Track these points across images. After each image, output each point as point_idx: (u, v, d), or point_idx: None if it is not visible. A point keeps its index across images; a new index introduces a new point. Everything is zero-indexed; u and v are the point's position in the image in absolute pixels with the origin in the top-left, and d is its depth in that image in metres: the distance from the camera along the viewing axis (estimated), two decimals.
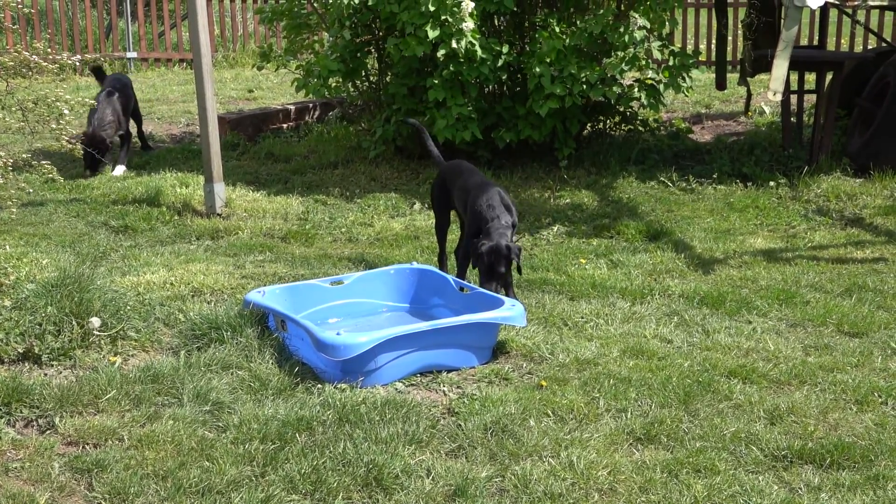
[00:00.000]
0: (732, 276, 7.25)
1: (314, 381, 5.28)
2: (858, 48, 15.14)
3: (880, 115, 9.72)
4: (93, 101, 8.31)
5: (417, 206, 9.27)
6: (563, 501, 4.19)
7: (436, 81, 9.73)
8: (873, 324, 6.24)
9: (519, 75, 10.33)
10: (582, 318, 6.38)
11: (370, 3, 9.86)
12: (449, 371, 5.56)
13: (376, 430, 4.70)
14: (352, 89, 11.04)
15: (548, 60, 9.59)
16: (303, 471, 4.35)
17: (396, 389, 5.32)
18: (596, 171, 10.25)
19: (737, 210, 9.02)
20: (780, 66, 8.88)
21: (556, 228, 8.53)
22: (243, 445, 4.57)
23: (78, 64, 7.86)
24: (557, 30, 9.79)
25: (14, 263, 6.74)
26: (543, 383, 5.30)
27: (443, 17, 9.39)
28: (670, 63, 9.99)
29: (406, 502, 4.18)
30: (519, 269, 6.26)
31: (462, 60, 9.65)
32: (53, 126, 7.29)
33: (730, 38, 14.36)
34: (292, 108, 12.87)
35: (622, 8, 10.14)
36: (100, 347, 5.61)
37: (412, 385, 5.45)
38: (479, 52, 9.57)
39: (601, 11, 9.90)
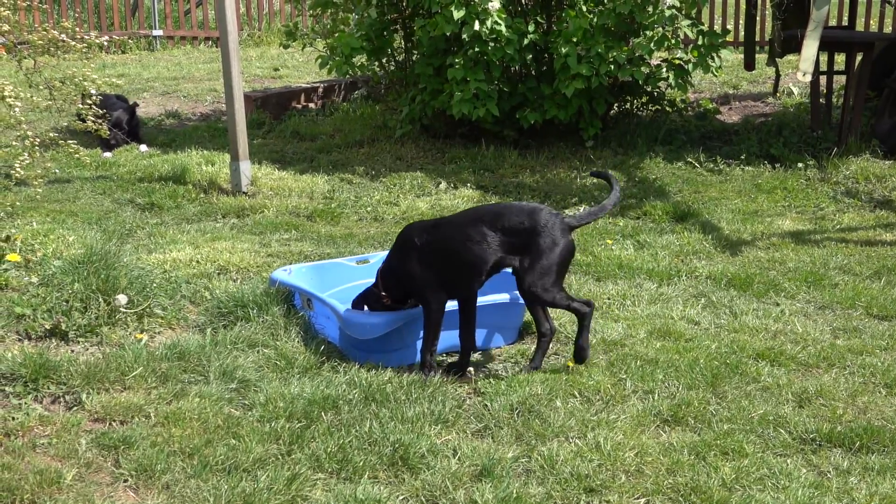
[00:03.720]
0: (760, 258, 7.19)
1: (340, 360, 5.27)
2: (888, 29, 14.99)
3: None
4: (118, 82, 8.31)
5: (443, 185, 9.24)
6: (589, 482, 4.17)
7: (458, 61, 9.68)
8: None
9: (545, 55, 10.26)
10: (608, 299, 6.35)
11: None
12: (475, 351, 5.54)
13: (402, 410, 4.69)
14: (377, 68, 11.01)
15: (574, 40, 9.51)
16: (329, 449, 4.34)
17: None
18: (623, 152, 10.19)
19: (765, 191, 8.95)
20: (810, 46, 8.79)
21: (581, 208, 8.48)
22: (269, 424, 4.56)
23: (105, 43, 7.84)
24: (584, 9, 9.72)
25: (41, 240, 6.75)
26: (570, 364, 5.27)
27: None
28: (699, 43, 9.90)
29: (432, 482, 4.17)
30: None
31: (487, 41, 9.59)
32: (80, 105, 7.32)
33: (758, 17, 14.23)
34: (318, 86, 12.85)
35: None
36: (126, 325, 5.62)
37: (438, 365, 5.43)
38: (505, 31, 9.51)
39: None
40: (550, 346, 5.44)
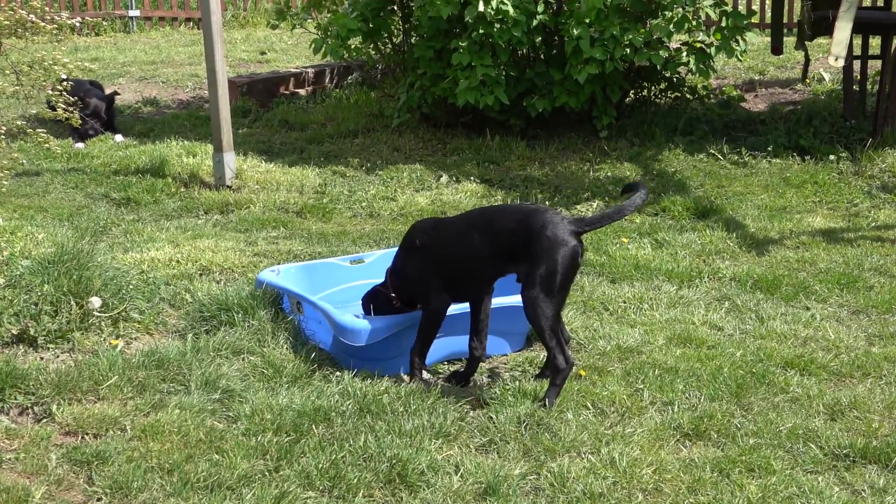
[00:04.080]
0: (789, 258, 7.19)
1: (332, 368, 5.27)
2: None
3: None
4: (91, 66, 8.30)
5: (444, 178, 9.23)
6: (603, 502, 4.16)
7: (463, 44, 9.67)
8: None
9: (555, 38, 10.25)
10: (624, 302, 6.35)
11: None
12: (484, 360, 5.51)
13: (400, 423, 4.69)
14: (373, 52, 11.00)
15: (587, 21, 9.51)
16: (320, 465, 4.34)
17: (423, 377, 5.30)
18: (639, 142, 10.18)
19: (793, 186, 8.94)
20: (843, 28, 8.77)
21: (595, 204, 8.48)
22: (255, 437, 4.56)
23: (77, 24, 7.83)
24: None
25: (7, 238, 6.75)
26: (582, 373, 5.27)
27: None
28: (722, 24, 9.89)
29: (432, 500, 4.16)
30: None
31: (492, 22, 9.58)
32: (50, 91, 7.31)
33: None
34: (309, 71, 12.84)
35: None
36: (100, 330, 5.61)
37: (439, 374, 5.43)
38: (511, 12, 9.50)
39: None
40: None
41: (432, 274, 5.25)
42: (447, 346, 5.53)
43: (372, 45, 10.83)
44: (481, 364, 5.45)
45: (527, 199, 8.65)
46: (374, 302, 5.50)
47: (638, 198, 5.18)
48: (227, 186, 8.87)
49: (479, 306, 5.30)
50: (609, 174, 9.34)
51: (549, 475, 4.33)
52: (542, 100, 9.98)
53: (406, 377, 5.26)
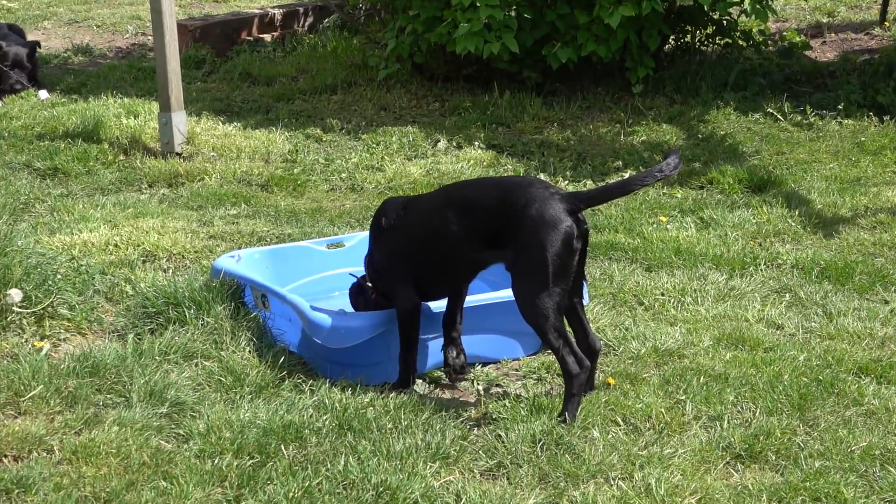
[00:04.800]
0: (863, 241, 7.20)
1: (305, 376, 5.27)
2: None
3: None
4: (11, 4, 8.29)
5: (442, 143, 9.22)
6: None
7: None
8: None
9: None
10: (662, 294, 6.34)
11: None
12: (485, 364, 5.56)
13: (388, 442, 4.68)
14: None
15: None
16: (290, 494, 4.33)
17: (415, 387, 5.32)
18: (681, 100, 10.17)
19: (869, 153, 8.93)
20: None
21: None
22: (212, 460, 4.56)
23: None
24: None
25: None
26: (611, 381, 5.27)
27: None
28: None
29: None
30: None
31: None
32: None
33: None
34: (276, 12, 12.83)
35: None
36: (21, 329, 5.61)
37: (436, 382, 5.43)
38: None
39: None
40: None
41: (399, 264, 5.27)
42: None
43: None
44: (489, 370, 5.45)
45: (544, 169, 8.64)
46: (358, 297, 5.51)
47: (660, 168, 5.01)
48: (177, 154, 8.85)
49: (454, 305, 5.33)
50: (644, 138, 9.33)
51: None
52: (565, 48, 9.95)
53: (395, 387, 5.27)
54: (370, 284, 5.45)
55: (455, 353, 5.36)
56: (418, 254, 5.23)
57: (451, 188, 5.49)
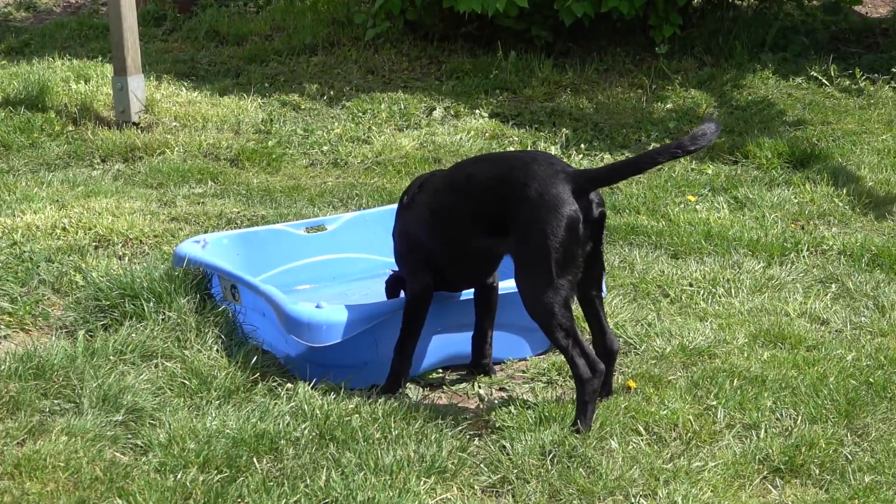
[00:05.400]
0: None
1: (282, 378, 5.26)
2: None
3: None
4: None
5: (438, 112, 9.22)
6: None
7: None
8: None
9: None
10: (690, 285, 6.34)
11: None
12: (486, 358, 5.54)
13: (376, 454, 4.68)
14: None
15: None
16: None
17: (407, 391, 5.32)
18: (712, 62, 10.16)
19: None
20: None
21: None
22: (174, 475, 4.55)
23: None
24: None
25: None
26: (631, 384, 5.27)
27: None
28: None
29: None
30: None
31: None
32: None
33: None
34: None
35: None
36: None
37: (432, 385, 5.44)
38: None
39: None
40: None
41: (414, 245, 5.30)
42: (445, 345, 5.54)
43: None
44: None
45: (554, 142, 8.64)
46: (395, 290, 5.62)
47: (693, 137, 4.78)
48: (134, 124, 8.85)
49: (480, 297, 5.35)
50: (671, 106, 9.33)
51: None
52: (580, 1, 9.94)
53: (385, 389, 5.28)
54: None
55: (483, 353, 5.41)
56: (430, 238, 5.25)
57: (460, 164, 5.48)
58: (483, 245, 5.08)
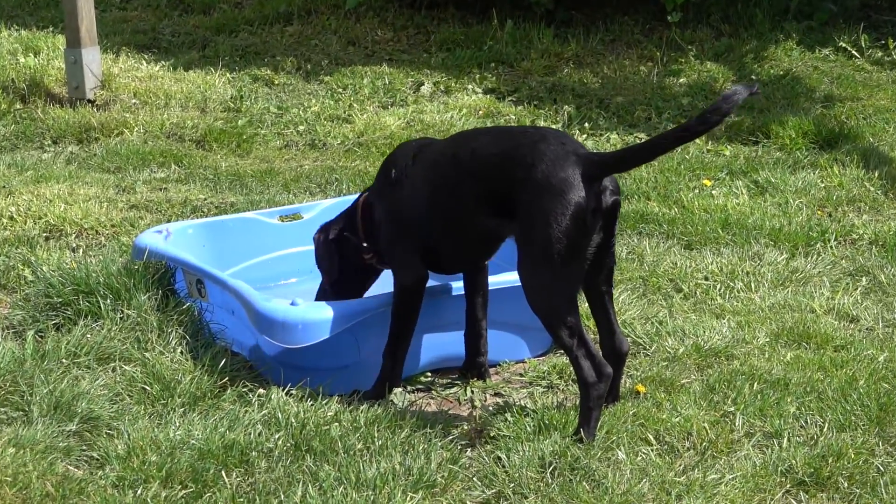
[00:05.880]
0: None
1: (253, 383, 5.27)
2: None
3: None
4: None
5: (427, 87, 9.22)
6: None
7: None
8: None
9: None
10: (706, 279, 6.36)
11: None
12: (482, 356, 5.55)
13: (357, 467, 4.69)
14: None
15: None
16: None
17: (393, 397, 5.33)
18: (730, 31, 10.18)
19: None
20: None
21: (662, 126, 8.47)
22: (133, 490, 4.56)
23: None
24: None
25: None
26: (641, 389, 5.28)
27: None
28: None
29: None
30: None
31: None
32: None
33: None
34: None
35: None
36: None
37: (420, 390, 5.46)
38: None
39: None
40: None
41: (405, 226, 5.26)
42: (435, 346, 5.56)
43: None
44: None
45: (555, 120, 8.65)
46: (328, 248, 5.52)
47: (725, 99, 4.59)
48: (89, 101, 8.85)
49: (471, 280, 5.36)
50: (684, 80, 9.34)
51: None
52: None
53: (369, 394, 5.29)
54: (365, 243, 5.44)
55: (478, 347, 5.42)
56: (428, 218, 5.20)
57: (463, 135, 5.45)
58: (487, 226, 5.04)
